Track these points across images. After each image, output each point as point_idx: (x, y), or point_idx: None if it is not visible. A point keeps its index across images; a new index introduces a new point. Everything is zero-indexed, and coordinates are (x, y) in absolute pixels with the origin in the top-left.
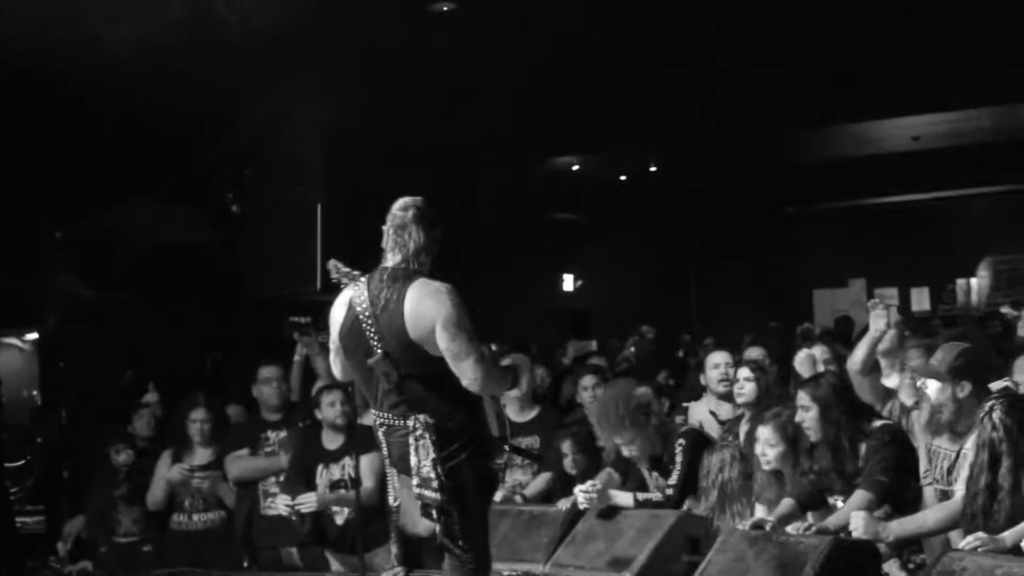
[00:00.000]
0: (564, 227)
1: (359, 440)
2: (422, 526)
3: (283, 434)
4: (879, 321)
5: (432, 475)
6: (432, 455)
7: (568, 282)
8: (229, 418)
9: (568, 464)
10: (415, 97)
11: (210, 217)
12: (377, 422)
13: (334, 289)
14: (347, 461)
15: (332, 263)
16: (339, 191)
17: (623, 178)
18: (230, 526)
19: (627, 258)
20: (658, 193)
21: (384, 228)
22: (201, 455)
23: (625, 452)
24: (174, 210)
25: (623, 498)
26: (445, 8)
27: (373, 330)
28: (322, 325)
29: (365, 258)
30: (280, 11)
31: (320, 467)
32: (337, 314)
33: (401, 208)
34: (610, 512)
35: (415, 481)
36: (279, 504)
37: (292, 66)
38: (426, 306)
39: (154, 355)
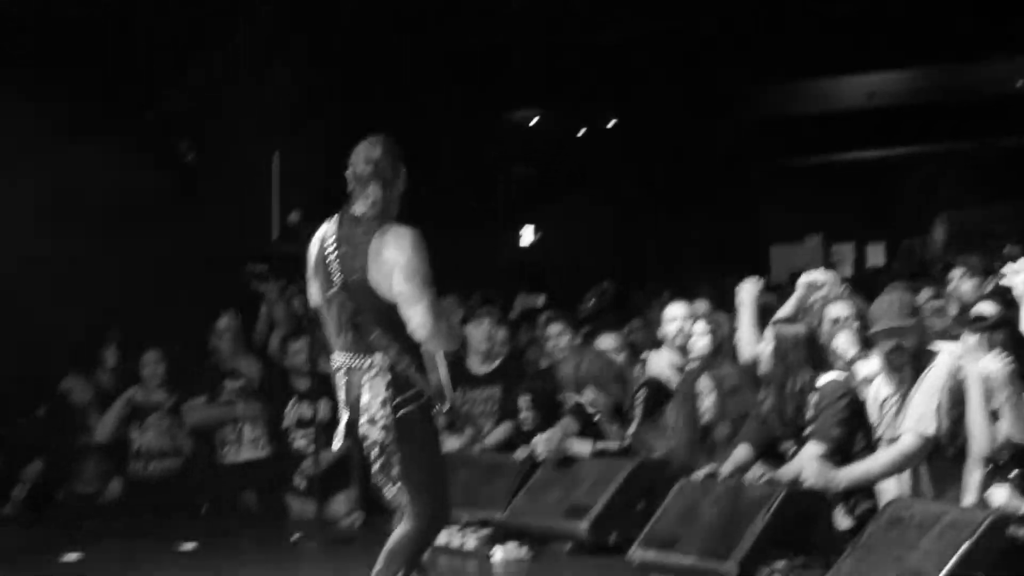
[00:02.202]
0: (523, 181)
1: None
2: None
3: (240, 383)
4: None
5: (379, 415)
6: (383, 395)
7: (527, 236)
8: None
9: (524, 420)
10: (374, 47)
11: (164, 165)
12: (336, 364)
13: (291, 240)
14: (321, 404)
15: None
16: (297, 140)
17: (581, 132)
18: (188, 473)
19: (586, 212)
20: (617, 148)
21: (347, 174)
22: (157, 399)
23: (588, 408)
24: (128, 157)
25: (580, 447)
26: None
27: (336, 267)
28: (279, 272)
29: (322, 207)
30: None
31: (292, 401)
32: (311, 249)
33: (364, 161)
34: (567, 461)
35: (363, 419)
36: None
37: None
38: (388, 250)
39: (112, 306)
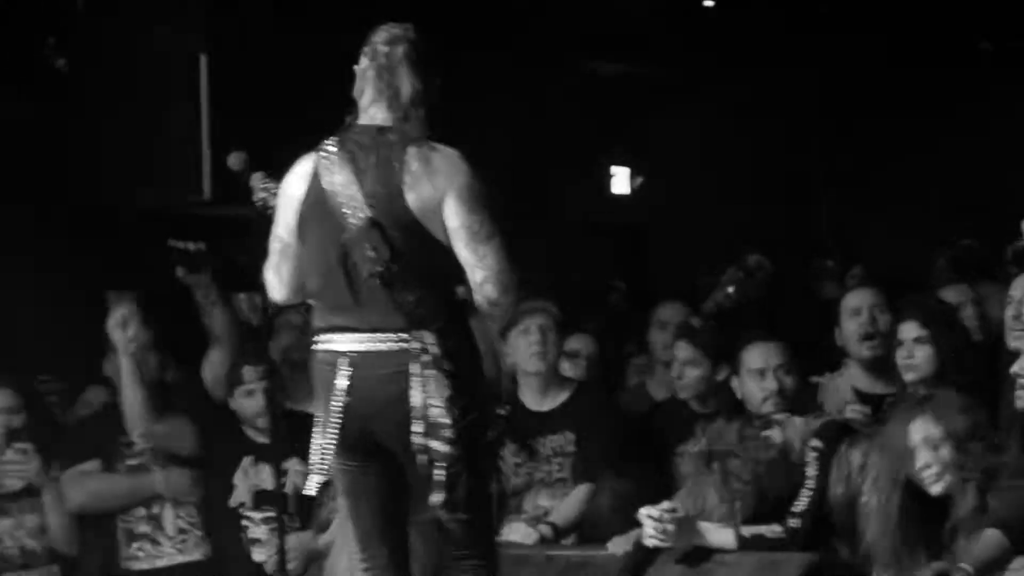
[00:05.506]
0: (614, 87)
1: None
2: None
3: (156, 438)
4: None
5: (447, 419)
6: (447, 391)
7: (622, 179)
8: (64, 411)
9: (615, 484)
10: None
11: (21, 78)
12: (347, 350)
13: (232, 199)
14: (292, 464)
15: (258, 177)
16: (237, 33)
17: (709, 2)
18: None
19: (717, 135)
20: (766, 24)
21: (358, 69)
22: (13, 470)
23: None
24: None
25: (719, 534)
26: None
27: (353, 200)
28: (217, 253)
29: (282, 141)
30: None
31: (247, 460)
32: (294, 189)
33: (386, 41)
34: (698, 556)
35: (417, 428)
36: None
37: None
38: (435, 169)
39: None
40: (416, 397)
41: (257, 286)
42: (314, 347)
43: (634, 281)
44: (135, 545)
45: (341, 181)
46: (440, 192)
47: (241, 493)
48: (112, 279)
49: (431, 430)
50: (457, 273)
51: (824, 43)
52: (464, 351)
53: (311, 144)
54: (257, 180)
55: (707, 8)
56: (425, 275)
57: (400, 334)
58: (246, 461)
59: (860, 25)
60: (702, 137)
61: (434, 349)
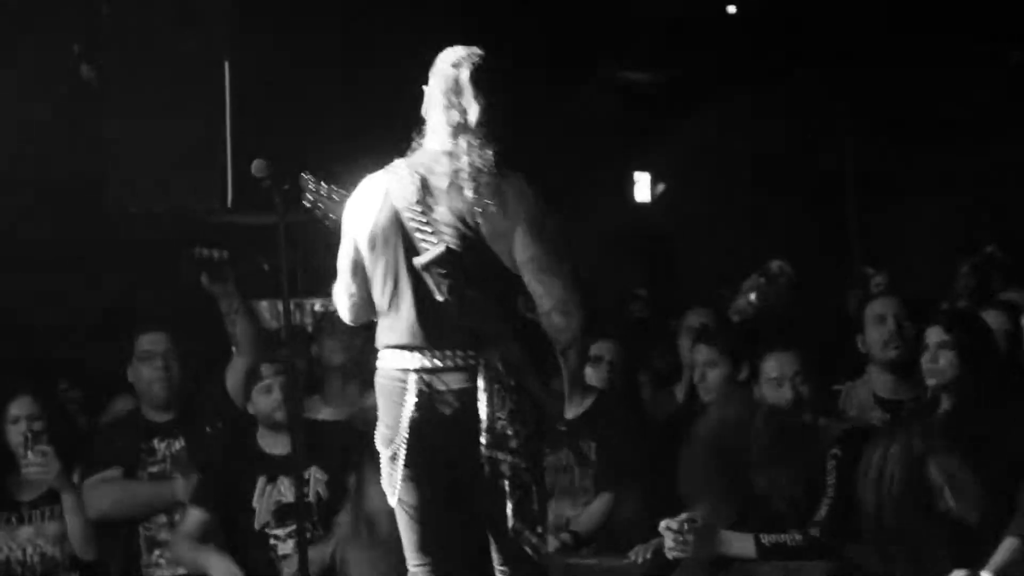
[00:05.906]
0: (636, 95)
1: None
2: None
3: (178, 444)
4: None
5: (510, 431)
6: (512, 405)
7: (643, 186)
8: (85, 419)
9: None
10: None
11: (52, 89)
12: (416, 367)
13: (255, 208)
14: (313, 472)
15: (306, 178)
16: (260, 40)
17: (732, 9)
18: None
19: (740, 142)
20: (792, 30)
21: (427, 90)
22: (35, 473)
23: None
24: None
25: (739, 543)
26: None
27: (425, 225)
28: (242, 262)
29: (309, 150)
30: None
31: (261, 481)
32: (364, 208)
33: (453, 63)
34: (719, 565)
35: (484, 440)
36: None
37: None
38: (504, 199)
39: None
40: (483, 411)
41: (279, 294)
42: (379, 363)
43: (657, 288)
44: (156, 552)
45: (413, 204)
46: (509, 222)
47: (262, 514)
48: (135, 287)
49: (497, 442)
50: (521, 288)
51: (847, 48)
52: (527, 366)
53: (335, 151)
54: (305, 182)
55: (731, 16)
56: (494, 296)
57: (468, 351)
58: (261, 482)
59: (886, 27)
60: (723, 144)
61: (500, 365)
